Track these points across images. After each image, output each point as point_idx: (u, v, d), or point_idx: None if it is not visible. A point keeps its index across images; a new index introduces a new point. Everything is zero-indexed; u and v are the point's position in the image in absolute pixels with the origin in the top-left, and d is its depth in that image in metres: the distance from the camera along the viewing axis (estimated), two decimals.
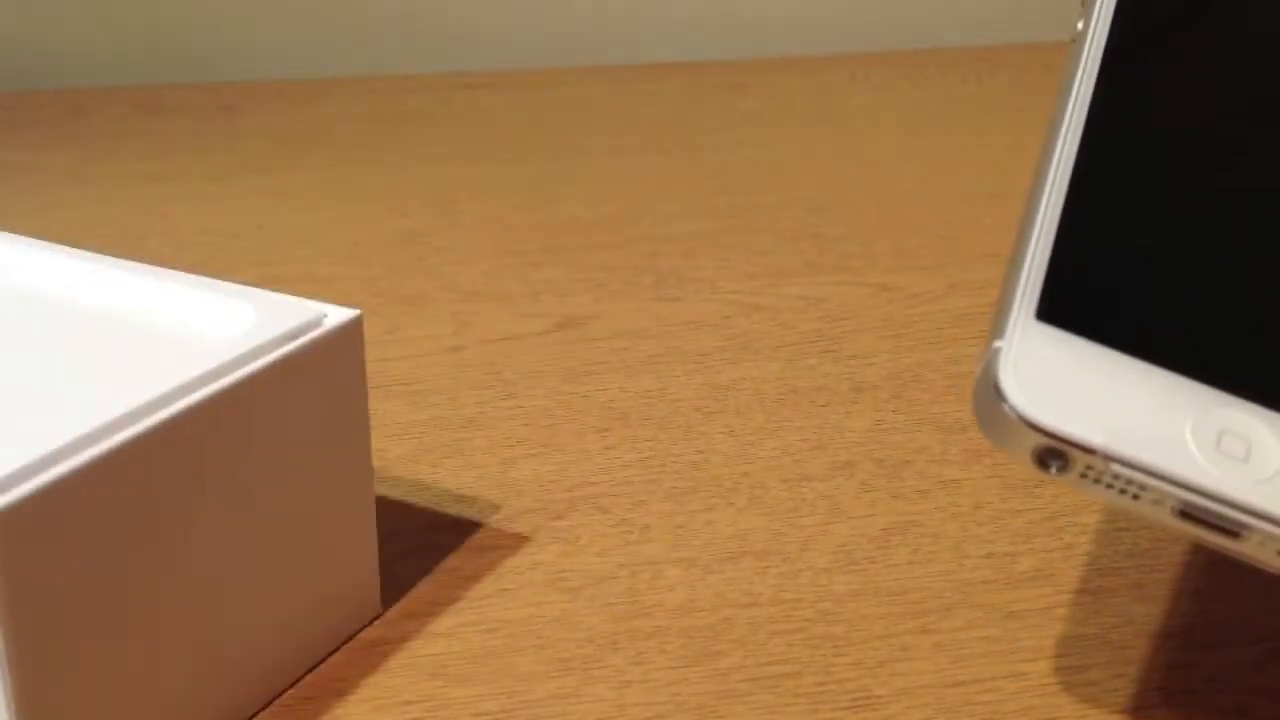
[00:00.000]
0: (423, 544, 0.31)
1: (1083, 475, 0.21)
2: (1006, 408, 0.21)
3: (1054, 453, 0.21)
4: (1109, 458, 0.20)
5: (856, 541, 0.31)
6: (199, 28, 0.67)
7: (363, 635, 0.28)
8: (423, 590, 0.30)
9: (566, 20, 0.67)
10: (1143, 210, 0.23)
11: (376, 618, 0.29)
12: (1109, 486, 0.21)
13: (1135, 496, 0.21)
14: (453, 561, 0.31)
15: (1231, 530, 0.20)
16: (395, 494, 0.34)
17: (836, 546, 0.31)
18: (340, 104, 0.65)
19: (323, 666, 0.28)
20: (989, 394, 0.21)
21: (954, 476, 0.33)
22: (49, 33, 0.67)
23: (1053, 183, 0.23)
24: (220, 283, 0.27)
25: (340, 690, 0.27)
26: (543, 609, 0.29)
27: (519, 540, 0.31)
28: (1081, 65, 0.24)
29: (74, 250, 0.29)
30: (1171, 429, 0.21)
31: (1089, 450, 0.21)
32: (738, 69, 0.67)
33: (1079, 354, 0.21)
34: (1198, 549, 0.31)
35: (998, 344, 0.21)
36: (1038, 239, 0.22)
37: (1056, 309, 0.22)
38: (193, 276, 0.27)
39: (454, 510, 0.33)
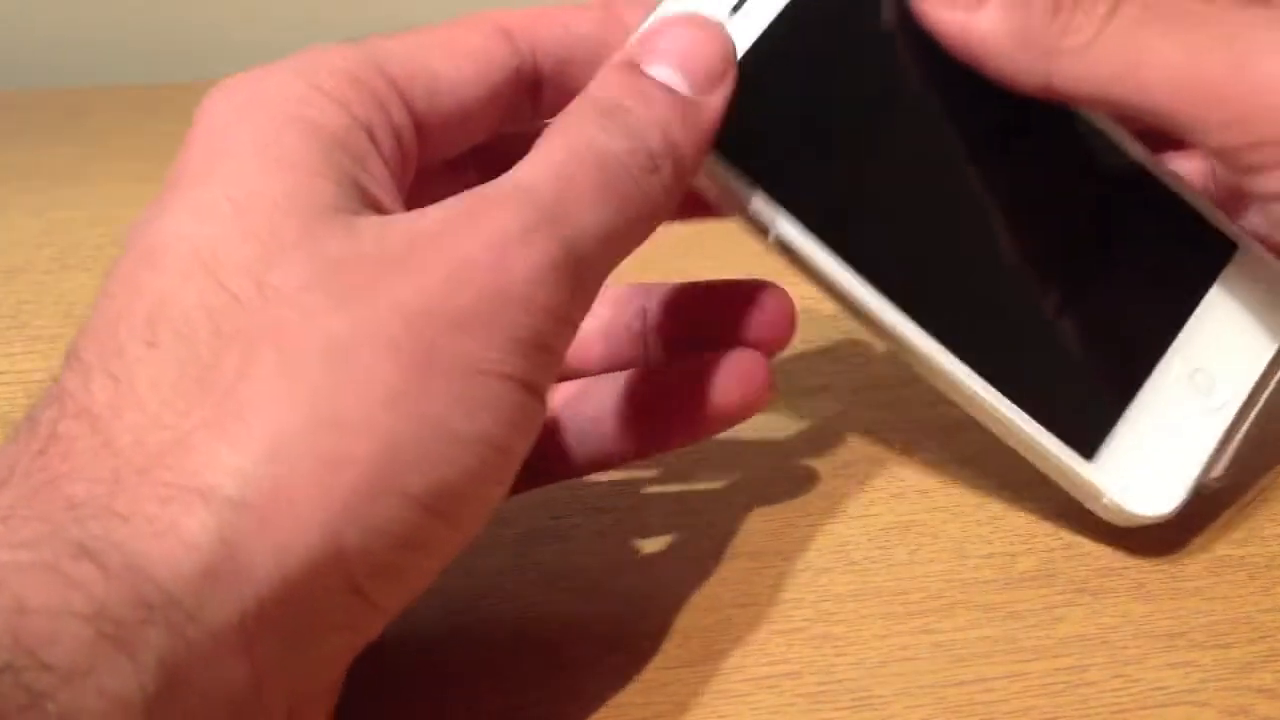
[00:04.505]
0: None
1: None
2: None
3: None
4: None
5: (856, 541, 0.31)
6: (199, 28, 0.67)
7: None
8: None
9: None
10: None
11: None
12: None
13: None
14: (452, 561, 0.31)
15: None
16: None
17: (836, 546, 0.31)
18: None
19: None
20: None
21: (954, 476, 0.33)
22: (49, 33, 0.67)
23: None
24: None
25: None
26: (542, 608, 0.29)
27: (518, 539, 0.31)
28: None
29: None
30: None
31: None
32: None
33: None
34: (1197, 549, 0.31)
35: None
36: None
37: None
38: None
39: None
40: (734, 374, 0.29)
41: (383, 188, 0.24)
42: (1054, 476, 0.30)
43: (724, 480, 0.33)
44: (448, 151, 0.27)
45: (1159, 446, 0.29)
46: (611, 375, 0.30)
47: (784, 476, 0.33)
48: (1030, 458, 0.29)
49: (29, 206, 0.50)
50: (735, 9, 0.28)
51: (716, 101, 0.26)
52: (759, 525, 0.32)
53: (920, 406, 0.35)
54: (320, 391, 0.21)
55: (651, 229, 0.26)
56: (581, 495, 0.33)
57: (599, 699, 0.27)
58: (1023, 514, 0.32)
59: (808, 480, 0.33)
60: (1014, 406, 0.28)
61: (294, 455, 0.20)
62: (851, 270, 0.28)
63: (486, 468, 0.22)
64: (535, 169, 0.24)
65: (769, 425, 0.36)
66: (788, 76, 0.28)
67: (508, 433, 0.22)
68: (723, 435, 0.35)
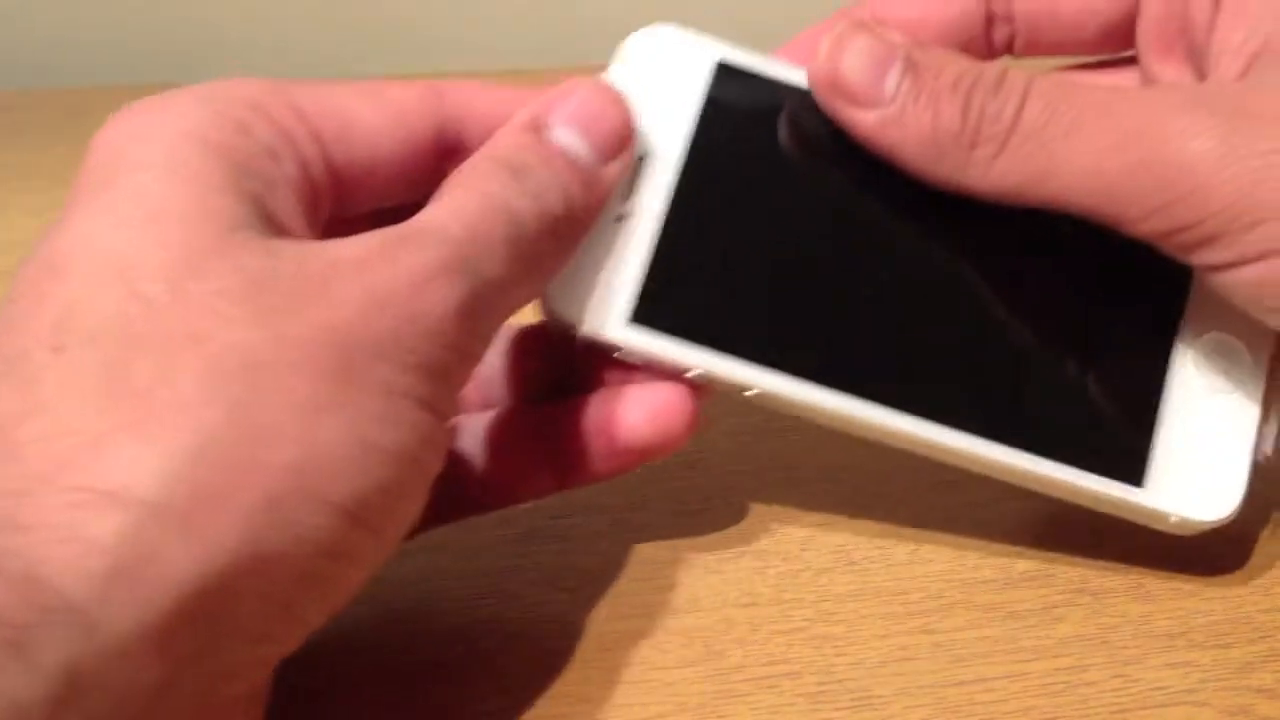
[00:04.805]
0: (422, 544, 0.31)
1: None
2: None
3: None
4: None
5: (856, 541, 0.31)
6: (199, 27, 0.67)
7: (359, 633, 0.28)
8: (421, 589, 0.30)
9: (566, 20, 0.67)
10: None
11: None
12: None
13: None
14: (451, 561, 0.31)
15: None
16: None
17: (836, 546, 0.31)
18: None
19: (315, 662, 0.28)
20: None
21: (953, 477, 0.33)
22: (49, 33, 0.67)
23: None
24: None
25: (339, 691, 0.27)
26: (542, 608, 0.29)
27: (518, 539, 0.31)
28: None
29: None
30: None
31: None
32: None
33: None
34: (1197, 549, 0.31)
35: None
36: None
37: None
38: None
39: None
40: (646, 405, 0.28)
41: (291, 216, 0.24)
42: (1115, 513, 0.29)
43: (724, 480, 0.33)
44: (365, 202, 0.26)
45: (1202, 446, 0.28)
46: (527, 405, 0.30)
47: (784, 476, 0.33)
48: (1085, 504, 0.29)
49: (29, 206, 0.50)
50: (629, 194, 0.28)
51: (614, 171, 0.27)
52: (759, 525, 0.32)
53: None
54: (242, 400, 0.21)
55: (540, 291, 0.26)
56: (581, 495, 0.33)
57: (599, 699, 0.27)
58: (1023, 514, 0.32)
59: (808, 480, 0.33)
60: (1053, 464, 0.28)
61: (217, 458, 0.20)
62: (862, 400, 0.28)
63: (403, 481, 0.23)
64: (446, 216, 0.24)
65: (769, 425, 0.36)
66: (706, 236, 0.28)
67: (420, 449, 0.23)
68: (721, 438, 0.35)
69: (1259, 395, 0.29)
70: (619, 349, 0.27)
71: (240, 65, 0.68)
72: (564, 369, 0.29)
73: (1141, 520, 0.29)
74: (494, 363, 0.30)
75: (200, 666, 0.21)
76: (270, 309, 0.22)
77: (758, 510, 0.32)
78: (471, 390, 0.30)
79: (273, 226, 0.23)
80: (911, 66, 0.27)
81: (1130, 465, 0.28)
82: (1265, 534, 0.31)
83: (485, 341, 0.25)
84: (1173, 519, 0.28)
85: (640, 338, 0.27)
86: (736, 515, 0.32)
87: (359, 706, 0.27)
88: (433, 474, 0.24)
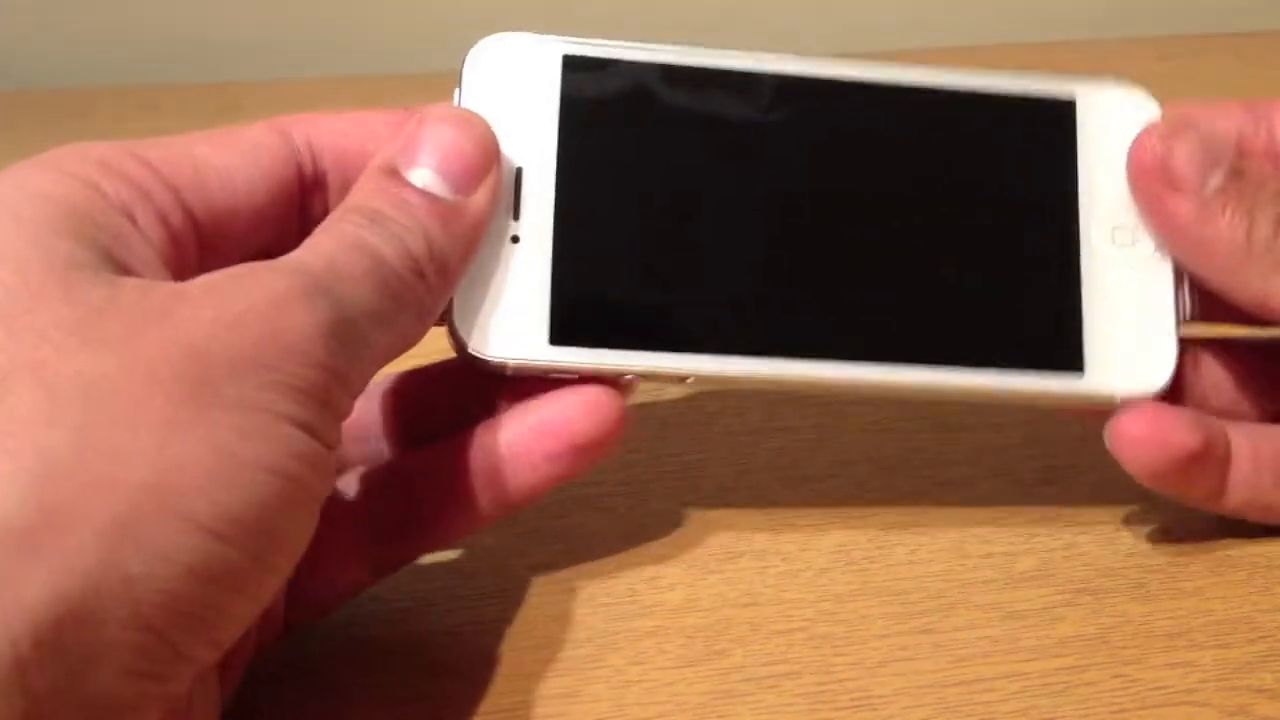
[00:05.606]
0: None
1: None
2: None
3: None
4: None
5: (855, 541, 0.31)
6: (199, 27, 0.67)
7: (360, 634, 0.29)
8: (421, 589, 0.30)
9: (568, 20, 0.67)
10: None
11: None
12: None
13: None
14: (452, 561, 0.31)
15: None
16: None
17: (836, 546, 0.31)
18: (340, 104, 0.64)
19: (316, 662, 0.28)
20: None
21: (953, 476, 0.33)
22: (49, 33, 0.67)
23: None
24: None
25: (340, 691, 0.27)
26: (542, 608, 0.29)
27: (518, 539, 0.31)
28: None
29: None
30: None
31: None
32: None
33: None
34: (1197, 549, 0.31)
35: None
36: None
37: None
38: None
39: None
40: (578, 403, 0.27)
41: (150, 267, 0.24)
42: (1066, 408, 0.29)
43: (724, 480, 0.33)
44: (236, 249, 0.26)
45: (1128, 323, 0.29)
46: (448, 437, 0.29)
47: (783, 476, 0.34)
48: (1030, 405, 0.29)
49: None
50: (515, 214, 0.27)
51: (480, 200, 0.26)
52: (759, 525, 0.32)
53: (920, 404, 0.35)
54: (87, 421, 0.20)
55: (421, 329, 0.26)
56: (582, 495, 0.33)
57: (599, 699, 0.27)
58: (1023, 514, 0.32)
59: (808, 480, 0.33)
60: (1000, 374, 0.28)
61: (63, 478, 0.20)
62: (803, 360, 0.28)
63: (279, 499, 0.22)
64: (302, 253, 0.24)
65: (769, 425, 0.36)
66: (599, 235, 0.28)
67: (294, 464, 0.22)
68: (722, 437, 0.35)
69: (1169, 261, 0.29)
70: (550, 371, 0.27)
71: (240, 65, 0.68)
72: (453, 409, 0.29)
73: (1086, 408, 0.29)
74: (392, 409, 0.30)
75: (69, 700, 0.20)
76: (111, 335, 0.21)
77: (758, 510, 0.32)
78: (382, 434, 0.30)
79: (123, 272, 0.23)
80: (1237, 172, 0.28)
81: (1068, 356, 0.29)
82: (1265, 534, 0.31)
83: (364, 369, 0.24)
84: (1118, 399, 0.28)
85: (567, 355, 0.27)
86: (736, 515, 0.32)
87: (359, 706, 0.27)
88: (316, 494, 0.23)
